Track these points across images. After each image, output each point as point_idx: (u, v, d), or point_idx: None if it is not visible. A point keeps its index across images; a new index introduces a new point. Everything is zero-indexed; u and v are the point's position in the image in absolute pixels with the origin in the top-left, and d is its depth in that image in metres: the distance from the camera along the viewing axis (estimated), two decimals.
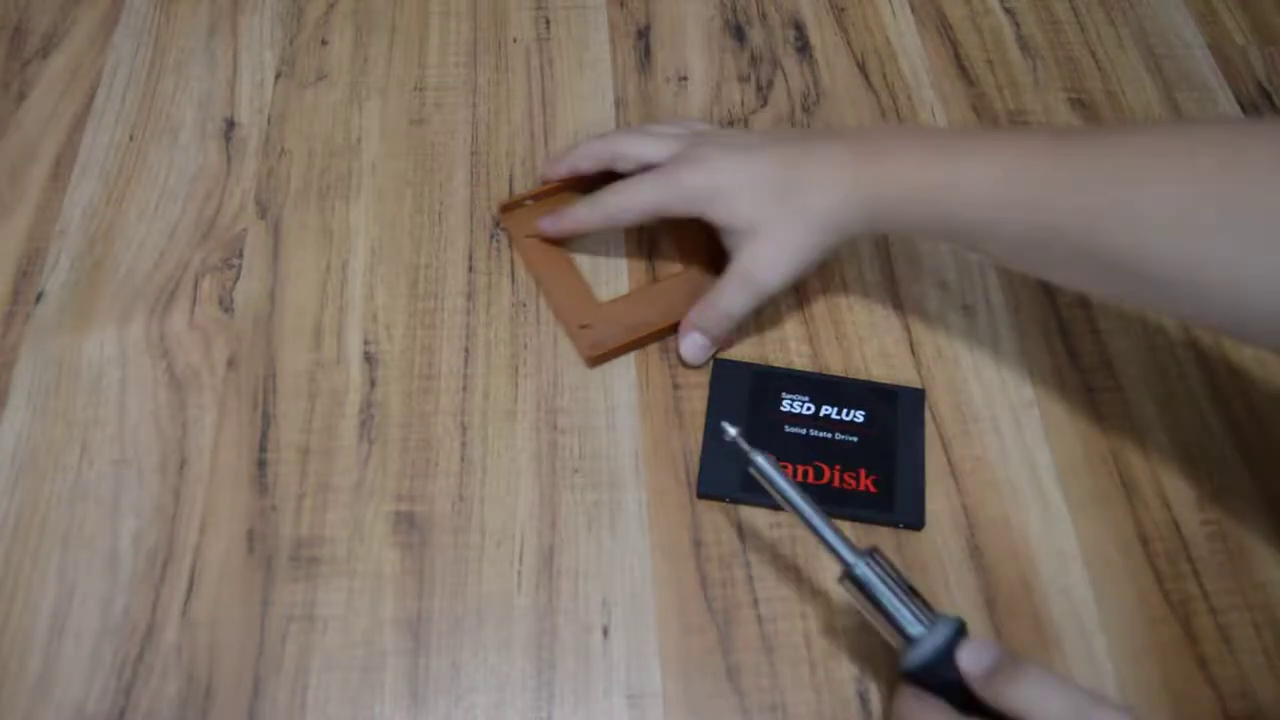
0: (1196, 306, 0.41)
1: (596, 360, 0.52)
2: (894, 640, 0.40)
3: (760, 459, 0.41)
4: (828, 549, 0.40)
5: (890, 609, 0.39)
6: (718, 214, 0.50)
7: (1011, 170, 0.45)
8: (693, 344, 0.52)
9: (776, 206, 0.49)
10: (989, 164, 0.46)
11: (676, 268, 0.56)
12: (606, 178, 0.55)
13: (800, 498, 0.40)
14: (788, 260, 0.49)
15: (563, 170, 0.57)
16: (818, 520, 0.40)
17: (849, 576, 0.40)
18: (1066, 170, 0.44)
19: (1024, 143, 0.46)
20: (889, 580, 0.40)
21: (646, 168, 0.53)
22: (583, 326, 0.53)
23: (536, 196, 0.57)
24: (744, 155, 0.51)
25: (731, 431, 0.42)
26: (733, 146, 0.52)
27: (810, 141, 0.51)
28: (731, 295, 0.50)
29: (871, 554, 0.40)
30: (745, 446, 0.41)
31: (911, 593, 0.40)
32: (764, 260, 0.49)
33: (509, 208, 0.57)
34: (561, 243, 0.56)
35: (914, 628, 0.39)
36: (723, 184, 0.50)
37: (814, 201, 0.49)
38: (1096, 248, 0.42)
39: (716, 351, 0.53)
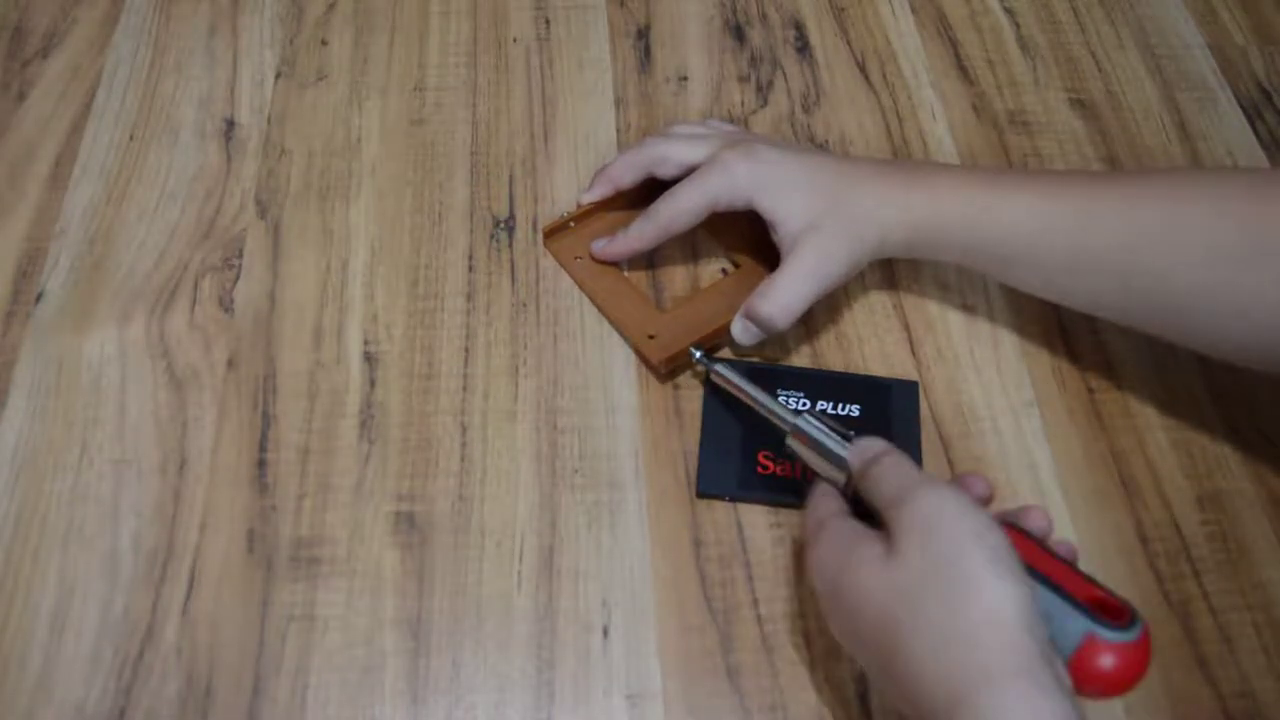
0: (1217, 334, 0.45)
1: (670, 364, 0.51)
2: (837, 476, 0.43)
3: (720, 365, 0.50)
4: (775, 420, 0.46)
5: (830, 449, 0.44)
6: (773, 205, 0.50)
7: (1054, 199, 0.48)
8: (746, 329, 0.51)
9: (830, 205, 0.50)
10: (1032, 193, 0.48)
11: (721, 263, 0.57)
12: (644, 191, 0.55)
13: (752, 388, 0.48)
14: (843, 259, 0.50)
15: (606, 190, 0.56)
16: (765, 401, 0.47)
17: (794, 433, 0.45)
18: (1106, 201, 0.47)
19: (1063, 178, 0.50)
20: (829, 427, 0.44)
21: (687, 171, 0.53)
22: (650, 336, 0.52)
23: (577, 218, 0.57)
24: (795, 154, 0.52)
25: (697, 354, 0.51)
26: (780, 145, 0.52)
27: (853, 159, 0.54)
28: (795, 288, 0.49)
29: (809, 412, 0.46)
30: (707, 362, 0.50)
31: (847, 435, 0.44)
32: (825, 254, 0.49)
33: (552, 232, 0.57)
34: None
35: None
36: (777, 175, 0.50)
37: (864, 210, 0.50)
38: (1131, 275, 0.46)
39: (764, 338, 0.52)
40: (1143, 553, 0.49)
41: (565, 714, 0.44)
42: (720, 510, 0.49)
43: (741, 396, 0.48)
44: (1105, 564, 0.48)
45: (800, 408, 0.50)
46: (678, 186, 0.52)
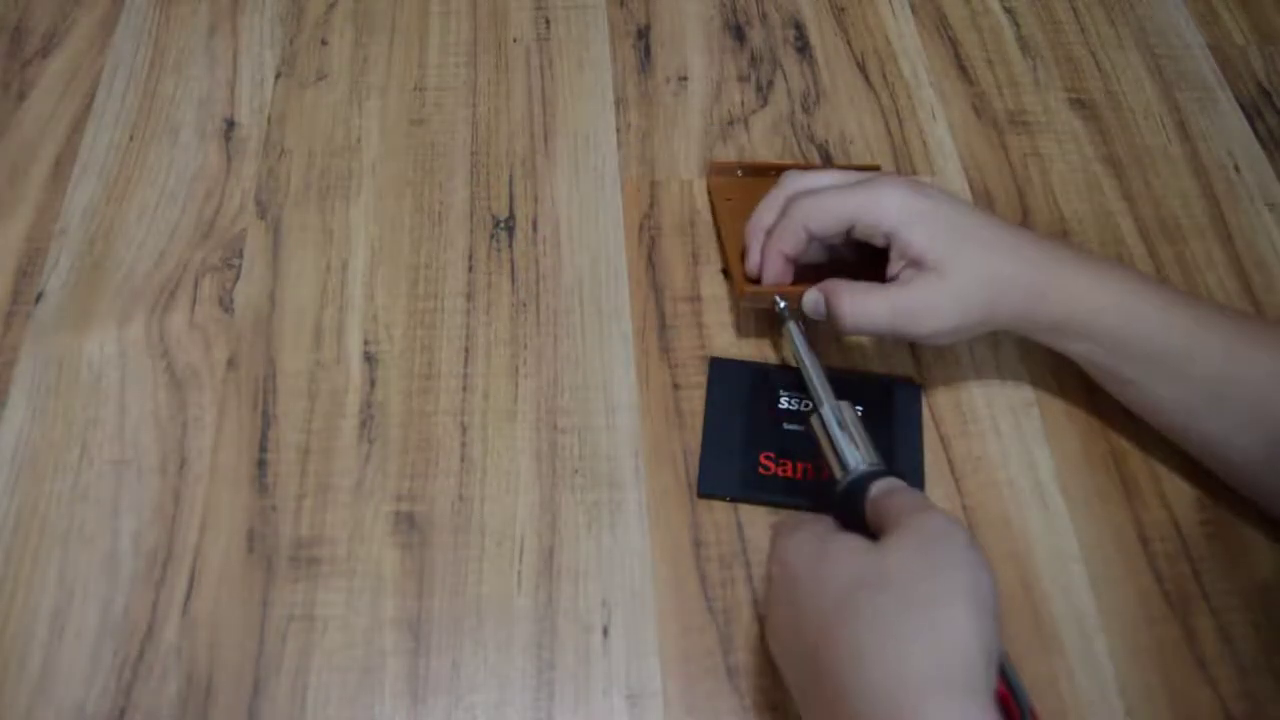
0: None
1: (751, 298, 0.51)
2: (837, 473, 0.44)
3: (793, 325, 0.50)
4: (812, 390, 0.47)
5: (840, 447, 0.44)
6: (909, 238, 0.46)
7: (1206, 319, 0.47)
8: (817, 306, 0.49)
9: (971, 255, 0.47)
10: (1185, 306, 0.47)
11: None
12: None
13: (811, 358, 0.48)
14: (952, 314, 0.47)
15: (767, 257, 0.51)
16: (814, 373, 0.47)
17: (816, 414, 0.46)
18: (1263, 333, 0.46)
19: (1216, 304, 0.51)
20: (850, 426, 0.45)
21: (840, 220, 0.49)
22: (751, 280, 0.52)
23: (746, 167, 0.59)
24: (937, 198, 0.48)
25: (781, 303, 0.50)
26: (923, 186, 0.49)
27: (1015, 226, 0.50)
28: (880, 315, 0.47)
29: (844, 404, 0.46)
30: (784, 314, 0.50)
31: (867, 443, 0.44)
32: (931, 304, 0.47)
33: (719, 171, 0.59)
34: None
35: (853, 463, 0.43)
36: (923, 214, 0.47)
37: (1000, 267, 0.47)
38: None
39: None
40: (1143, 553, 0.49)
41: (565, 714, 0.44)
42: (720, 510, 0.49)
43: (796, 359, 0.49)
44: (1105, 564, 0.48)
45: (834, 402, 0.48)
46: (824, 188, 0.49)
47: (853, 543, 0.38)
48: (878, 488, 0.41)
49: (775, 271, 0.50)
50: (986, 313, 0.47)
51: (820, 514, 0.43)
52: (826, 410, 0.45)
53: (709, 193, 0.59)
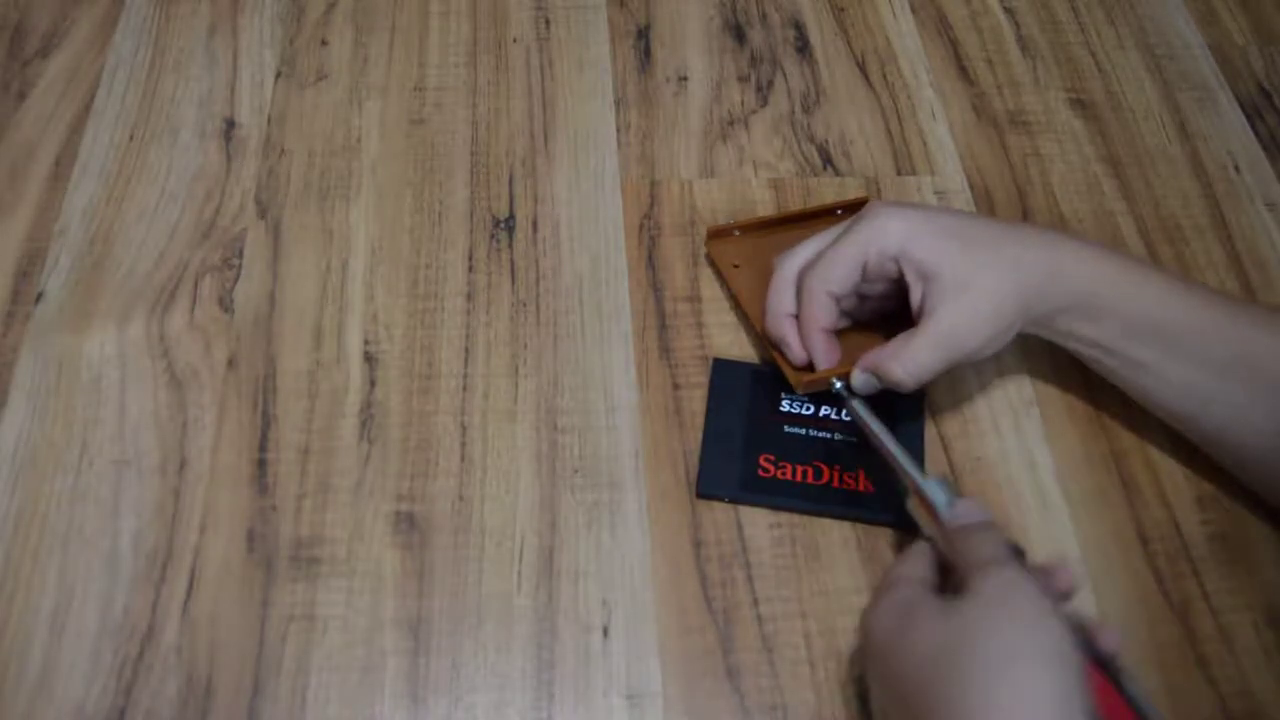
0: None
1: (809, 388, 0.50)
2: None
3: (857, 402, 0.48)
4: (900, 473, 0.45)
5: (942, 511, 0.43)
6: (921, 254, 0.46)
7: (1213, 295, 0.48)
8: (868, 382, 0.48)
9: (982, 254, 0.47)
10: (1189, 283, 0.48)
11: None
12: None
13: (885, 434, 0.47)
14: (990, 316, 0.46)
15: (810, 340, 0.49)
16: (896, 452, 0.46)
17: (917, 493, 0.44)
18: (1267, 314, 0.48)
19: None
20: (949, 494, 0.44)
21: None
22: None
23: (742, 226, 0.56)
24: (932, 210, 0.49)
25: (837, 384, 0.48)
26: (913, 204, 0.49)
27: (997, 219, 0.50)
28: (928, 353, 0.46)
29: (938, 478, 0.44)
30: (845, 395, 0.48)
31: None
32: (966, 317, 0.46)
33: (715, 235, 0.56)
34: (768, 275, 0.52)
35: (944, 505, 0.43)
36: (923, 227, 0.47)
37: (1014, 254, 0.47)
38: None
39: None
40: (1143, 553, 0.49)
41: (565, 714, 0.44)
42: (720, 510, 0.49)
43: (871, 439, 0.47)
44: (1105, 564, 0.48)
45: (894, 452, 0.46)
46: (824, 251, 0.48)
47: (934, 607, 0.39)
48: (958, 520, 0.42)
49: (822, 351, 0.49)
50: (1018, 303, 0.47)
51: (918, 561, 0.42)
52: (932, 490, 0.44)
53: (711, 261, 0.56)
